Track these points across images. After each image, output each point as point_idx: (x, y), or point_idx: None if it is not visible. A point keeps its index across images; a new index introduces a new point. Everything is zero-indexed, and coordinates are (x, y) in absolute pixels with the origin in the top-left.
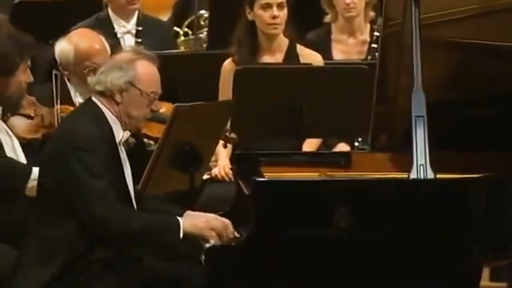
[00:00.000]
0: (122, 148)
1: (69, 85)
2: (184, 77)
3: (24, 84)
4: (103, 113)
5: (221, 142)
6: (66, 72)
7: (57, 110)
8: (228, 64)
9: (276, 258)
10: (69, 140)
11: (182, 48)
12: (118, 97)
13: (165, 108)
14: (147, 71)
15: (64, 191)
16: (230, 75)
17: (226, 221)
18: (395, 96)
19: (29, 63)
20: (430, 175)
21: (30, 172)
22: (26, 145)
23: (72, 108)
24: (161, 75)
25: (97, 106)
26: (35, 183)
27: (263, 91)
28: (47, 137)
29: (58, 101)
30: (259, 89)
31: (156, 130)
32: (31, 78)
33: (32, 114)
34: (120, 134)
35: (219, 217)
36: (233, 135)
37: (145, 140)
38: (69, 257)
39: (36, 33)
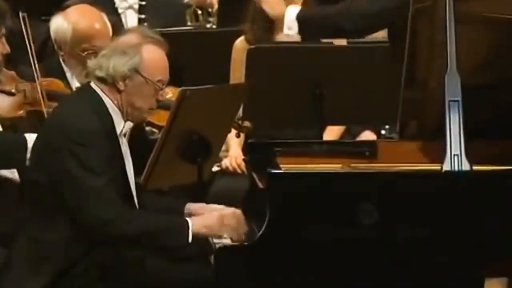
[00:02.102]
0: (124, 140)
1: (64, 67)
2: (191, 58)
3: (0, 56)
4: (103, 101)
5: (234, 131)
6: (61, 53)
7: (40, 83)
8: (240, 43)
9: (292, 259)
10: (64, 132)
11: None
12: (121, 85)
13: (170, 94)
14: (153, 57)
15: (56, 188)
16: (243, 55)
17: (237, 211)
18: (427, 78)
19: (3, 31)
20: (466, 166)
21: (25, 140)
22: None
23: (58, 81)
24: (166, 56)
25: (97, 94)
26: None
27: (279, 73)
28: (31, 115)
29: (39, 74)
30: (275, 70)
31: (160, 118)
32: (7, 49)
33: (13, 90)
34: (121, 125)
35: (228, 209)
36: (247, 124)
37: (148, 128)
38: (62, 261)
39: (27, 9)
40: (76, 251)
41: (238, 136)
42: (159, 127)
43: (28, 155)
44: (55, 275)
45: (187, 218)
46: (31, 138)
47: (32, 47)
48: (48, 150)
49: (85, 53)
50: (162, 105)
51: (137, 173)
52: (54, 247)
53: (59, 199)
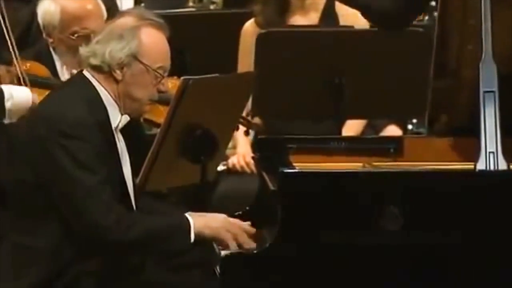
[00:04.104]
0: (120, 136)
1: (54, 55)
2: (193, 43)
3: None
4: (97, 92)
5: (242, 128)
6: (50, 40)
7: (17, 66)
8: (249, 27)
9: (307, 268)
10: (53, 124)
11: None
12: (118, 74)
13: (170, 85)
14: (153, 41)
15: (45, 188)
16: (252, 40)
17: (242, 224)
18: (459, 66)
19: None
20: (503, 165)
21: (1, 91)
22: None
23: (41, 65)
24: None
25: (90, 83)
26: (12, 102)
27: (293, 61)
28: None
29: (17, 57)
30: (288, 57)
31: (158, 114)
32: None
33: None
34: (117, 119)
35: (231, 219)
36: (256, 120)
37: (145, 125)
38: (50, 268)
39: None
40: (65, 257)
41: (247, 134)
42: (158, 125)
43: (7, 105)
44: (39, 283)
45: (189, 217)
46: (8, 89)
47: (9, 29)
48: (34, 145)
49: (76, 35)
50: (161, 100)
51: (133, 173)
52: (41, 253)
53: (47, 199)
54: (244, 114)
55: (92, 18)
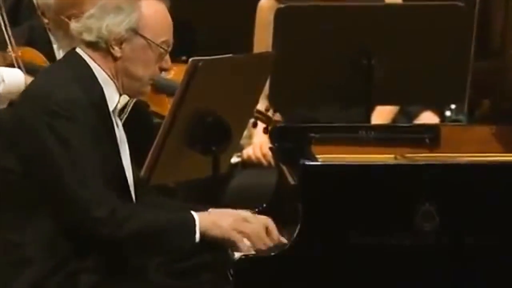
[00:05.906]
0: (118, 120)
1: (52, 37)
2: (205, 20)
3: None
4: (91, 70)
5: (261, 125)
6: (45, 20)
7: (15, 51)
8: (266, 1)
9: (331, 273)
10: (40, 103)
11: None
12: (116, 50)
13: (173, 72)
14: (155, 14)
15: (33, 176)
16: (270, 16)
17: (265, 220)
18: (503, 45)
19: None
20: None
21: None
22: None
23: (35, 51)
24: (173, 19)
25: (84, 61)
26: (4, 86)
27: (316, 39)
28: None
29: (12, 41)
30: (310, 36)
31: (166, 105)
32: None
33: None
34: (115, 100)
35: (253, 216)
36: (277, 117)
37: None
38: (45, 267)
39: None
40: (61, 254)
41: (266, 131)
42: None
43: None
44: (33, 283)
45: (194, 214)
46: None
47: (3, 9)
48: (21, 128)
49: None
50: (168, 89)
51: (136, 165)
52: (33, 251)
53: (37, 189)
54: (263, 109)
55: (94, 0)
